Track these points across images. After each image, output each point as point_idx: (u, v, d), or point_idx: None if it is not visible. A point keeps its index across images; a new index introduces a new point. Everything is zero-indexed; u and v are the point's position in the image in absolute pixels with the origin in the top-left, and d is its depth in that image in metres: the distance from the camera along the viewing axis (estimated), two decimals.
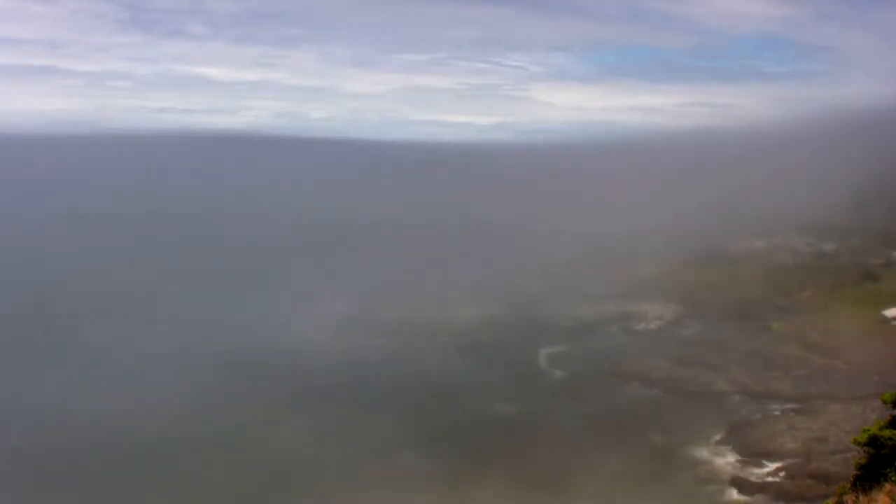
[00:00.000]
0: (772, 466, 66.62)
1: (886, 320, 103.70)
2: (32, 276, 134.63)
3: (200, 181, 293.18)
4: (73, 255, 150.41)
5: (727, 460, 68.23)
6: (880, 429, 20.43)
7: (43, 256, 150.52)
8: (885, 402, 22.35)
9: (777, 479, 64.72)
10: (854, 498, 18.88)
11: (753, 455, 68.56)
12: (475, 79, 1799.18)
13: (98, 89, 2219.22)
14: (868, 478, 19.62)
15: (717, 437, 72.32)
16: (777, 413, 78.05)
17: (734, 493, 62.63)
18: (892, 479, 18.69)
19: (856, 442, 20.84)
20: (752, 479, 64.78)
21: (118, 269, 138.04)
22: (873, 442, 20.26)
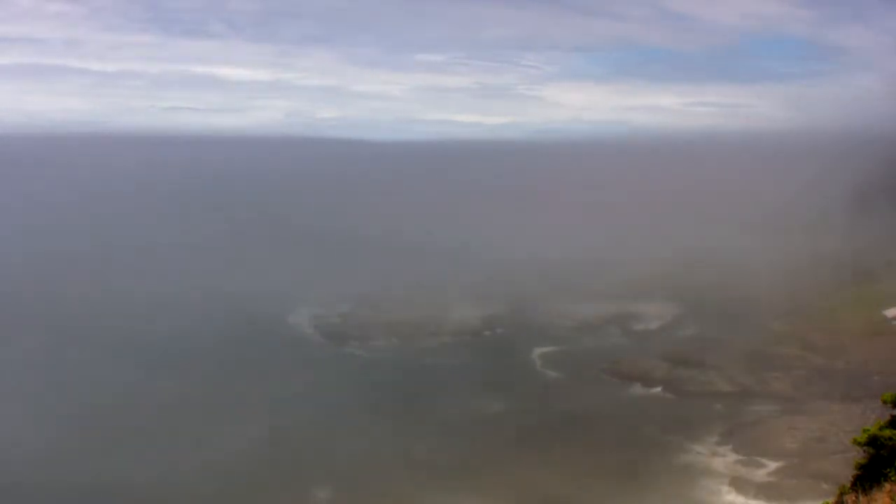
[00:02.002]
0: (771, 466, 66.44)
1: (886, 320, 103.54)
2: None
3: (200, 180, 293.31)
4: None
5: (726, 460, 68.02)
6: (880, 429, 20.32)
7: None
8: (885, 402, 22.25)
9: (777, 479, 64.54)
10: (854, 498, 18.79)
11: (753, 455, 68.39)
12: (491, 79, 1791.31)
13: (109, 88, 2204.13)
14: (868, 478, 19.52)
15: (717, 437, 72.14)
16: (777, 413, 77.85)
17: (733, 493, 62.42)
18: (893, 479, 18.60)
19: (856, 442, 20.73)
20: (752, 478, 64.57)
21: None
22: (873, 442, 20.15)
